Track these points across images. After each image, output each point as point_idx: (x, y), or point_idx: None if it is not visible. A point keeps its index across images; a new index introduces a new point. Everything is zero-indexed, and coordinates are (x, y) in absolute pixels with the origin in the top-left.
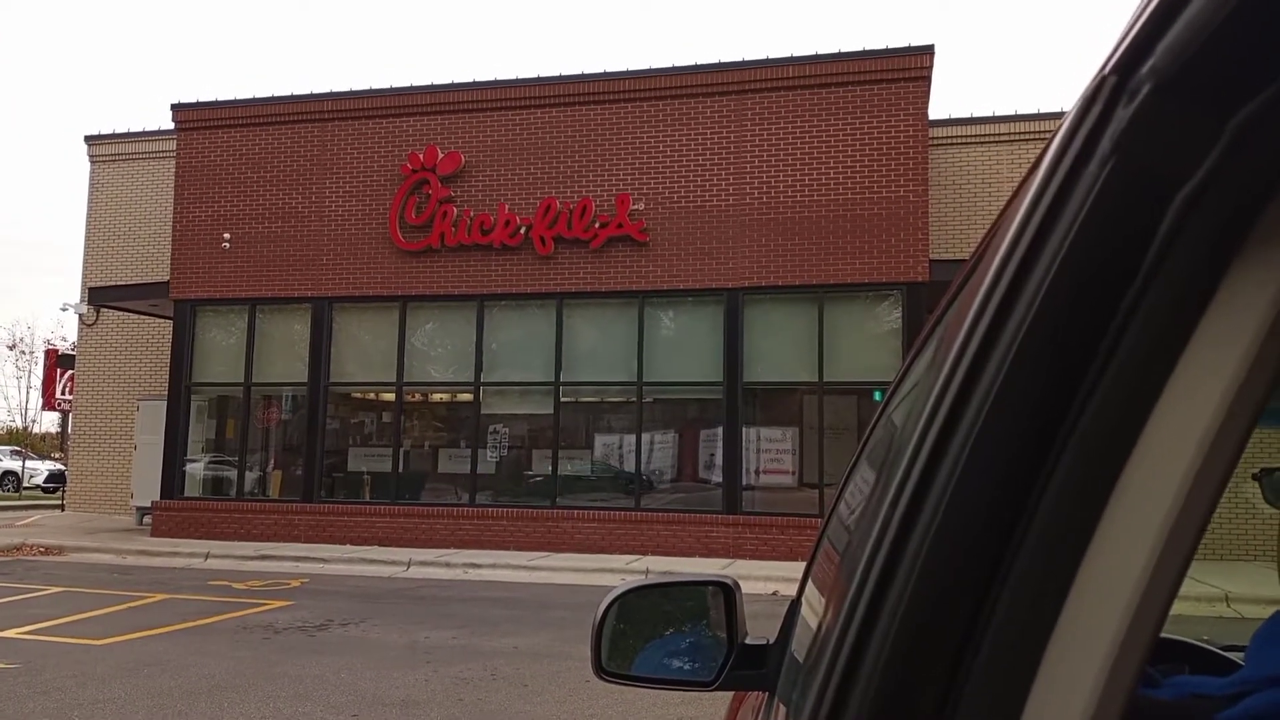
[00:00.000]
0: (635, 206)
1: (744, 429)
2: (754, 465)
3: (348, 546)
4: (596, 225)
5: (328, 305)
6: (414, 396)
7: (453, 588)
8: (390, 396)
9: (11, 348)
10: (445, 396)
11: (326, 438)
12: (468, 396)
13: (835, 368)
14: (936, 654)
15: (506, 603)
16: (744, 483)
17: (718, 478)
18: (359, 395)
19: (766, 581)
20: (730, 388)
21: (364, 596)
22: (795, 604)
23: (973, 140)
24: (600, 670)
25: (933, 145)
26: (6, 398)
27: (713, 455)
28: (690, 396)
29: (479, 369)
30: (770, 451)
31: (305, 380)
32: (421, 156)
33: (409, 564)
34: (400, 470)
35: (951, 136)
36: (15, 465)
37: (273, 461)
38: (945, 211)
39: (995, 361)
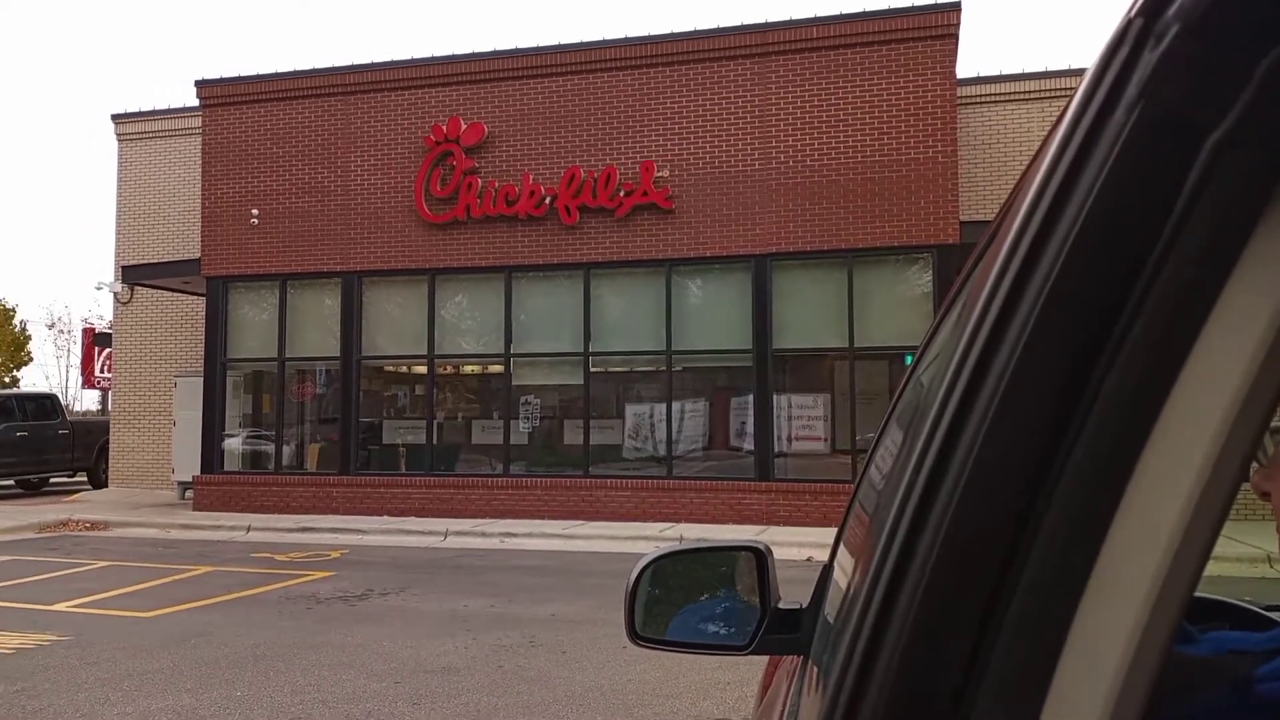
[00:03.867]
0: (660, 174)
1: (775, 396)
2: (785, 432)
3: (385, 518)
4: (621, 194)
5: (357, 279)
6: (445, 369)
7: (489, 557)
8: (422, 369)
9: (50, 327)
10: (476, 368)
11: (361, 411)
12: (498, 368)
13: (866, 333)
14: (964, 611)
15: (543, 571)
16: (776, 450)
17: (749, 445)
18: (391, 368)
19: (800, 548)
20: (760, 355)
21: (402, 566)
22: (828, 568)
23: (1002, 98)
24: (634, 635)
25: (961, 104)
26: (47, 377)
27: (744, 423)
28: (720, 364)
29: (508, 340)
30: (802, 418)
31: (338, 354)
32: (445, 128)
33: (446, 534)
34: (434, 442)
35: (980, 95)
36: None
37: (309, 435)
38: (975, 172)
39: (1019, 322)
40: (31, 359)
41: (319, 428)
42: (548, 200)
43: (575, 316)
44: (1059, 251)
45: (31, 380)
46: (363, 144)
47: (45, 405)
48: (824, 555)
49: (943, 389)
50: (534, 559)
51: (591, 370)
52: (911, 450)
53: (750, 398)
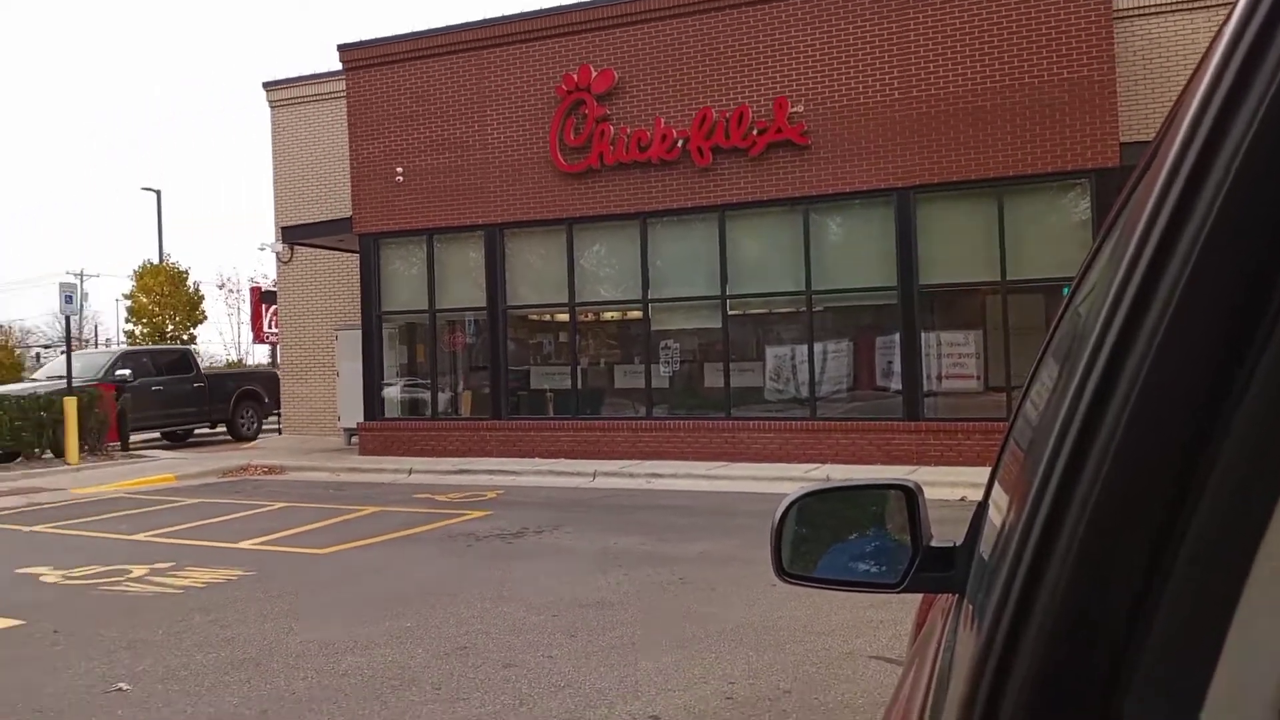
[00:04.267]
0: (794, 109)
1: (922, 334)
2: (935, 370)
3: (536, 460)
4: (755, 132)
5: (499, 232)
6: (586, 316)
7: (637, 497)
8: (564, 317)
9: (220, 287)
10: (616, 315)
11: (509, 358)
12: (637, 314)
13: (1019, 265)
14: (1130, 549)
15: (689, 511)
16: (925, 389)
17: (896, 385)
18: (535, 317)
19: (953, 487)
20: (905, 292)
21: (555, 506)
22: (982, 506)
23: (1162, 8)
24: (782, 572)
25: (1117, 17)
26: (221, 333)
27: (890, 362)
28: (863, 303)
29: (645, 286)
30: (952, 356)
31: (484, 305)
32: (575, 77)
33: (594, 475)
34: (579, 386)
35: (1138, 6)
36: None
37: (462, 382)
38: (1135, 89)
39: (1185, 245)
40: (206, 318)
41: (471, 375)
42: (680, 143)
43: (711, 260)
44: (1227, 169)
45: (206, 337)
46: (497, 98)
47: (179, 360)
48: (978, 495)
49: (1103, 317)
50: (680, 499)
51: (730, 313)
52: (1070, 382)
53: (896, 336)
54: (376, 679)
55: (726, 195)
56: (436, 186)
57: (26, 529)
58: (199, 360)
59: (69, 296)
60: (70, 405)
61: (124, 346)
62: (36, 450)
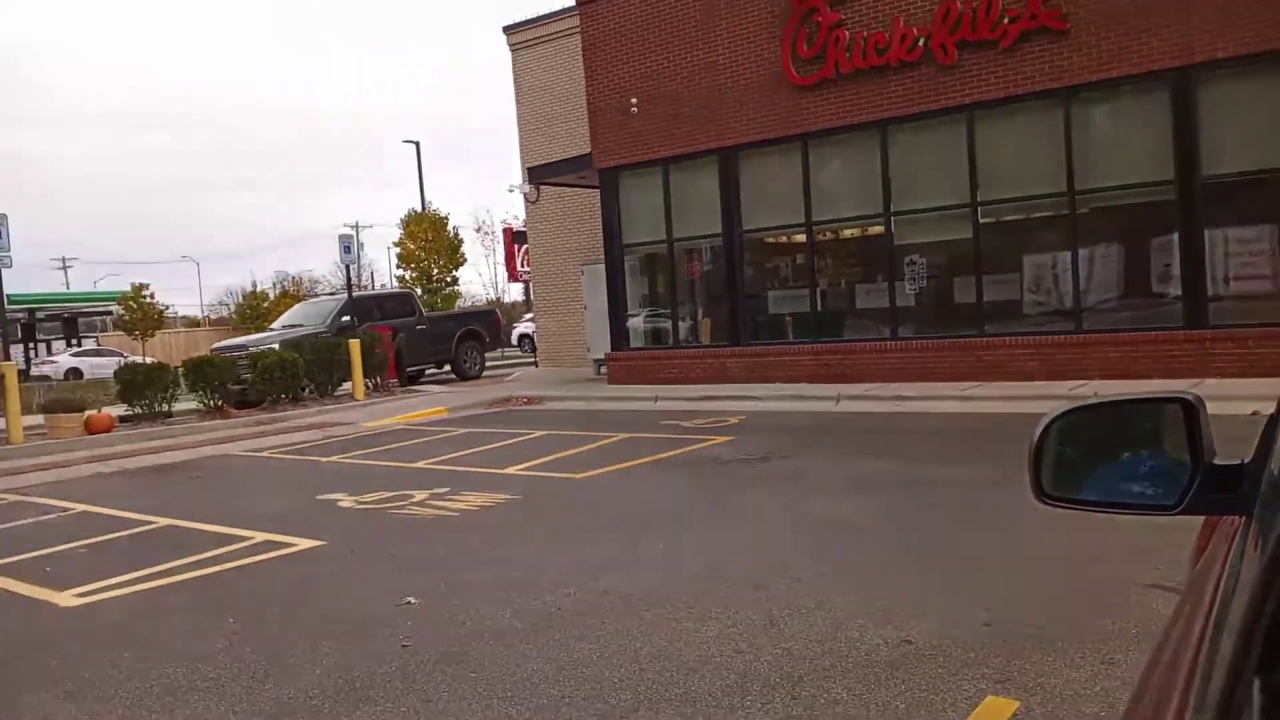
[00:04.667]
0: None
1: (1206, 231)
2: (1221, 272)
3: (777, 385)
4: (1005, 21)
5: (732, 154)
6: (824, 235)
7: (883, 420)
8: (801, 238)
9: (477, 230)
10: (855, 231)
11: (746, 284)
12: (878, 229)
13: None
14: None
15: (940, 434)
16: (1210, 293)
17: (1175, 290)
18: (771, 240)
19: (1243, 401)
20: (1185, 185)
21: (798, 430)
22: (1275, 419)
23: None
24: (1040, 494)
25: None
26: (480, 274)
27: (1167, 265)
28: (1133, 201)
29: (886, 199)
30: (1241, 255)
31: (720, 231)
32: None
33: (838, 399)
34: (819, 309)
35: None
36: (529, 328)
37: (701, 310)
38: None
39: None
40: (465, 260)
41: (710, 303)
42: (921, 42)
43: (959, 165)
44: None
45: (467, 278)
46: (726, 16)
47: (403, 303)
48: (1271, 408)
49: None
50: (930, 422)
51: (981, 222)
52: None
53: (1174, 236)
54: (634, 597)
55: (974, 93)
56: (669, 114)
57: (324, 459)
58: (419, 303)
59: (347, 247)
60: (355, 347)
61: (343, 295)
62: (329, 389)
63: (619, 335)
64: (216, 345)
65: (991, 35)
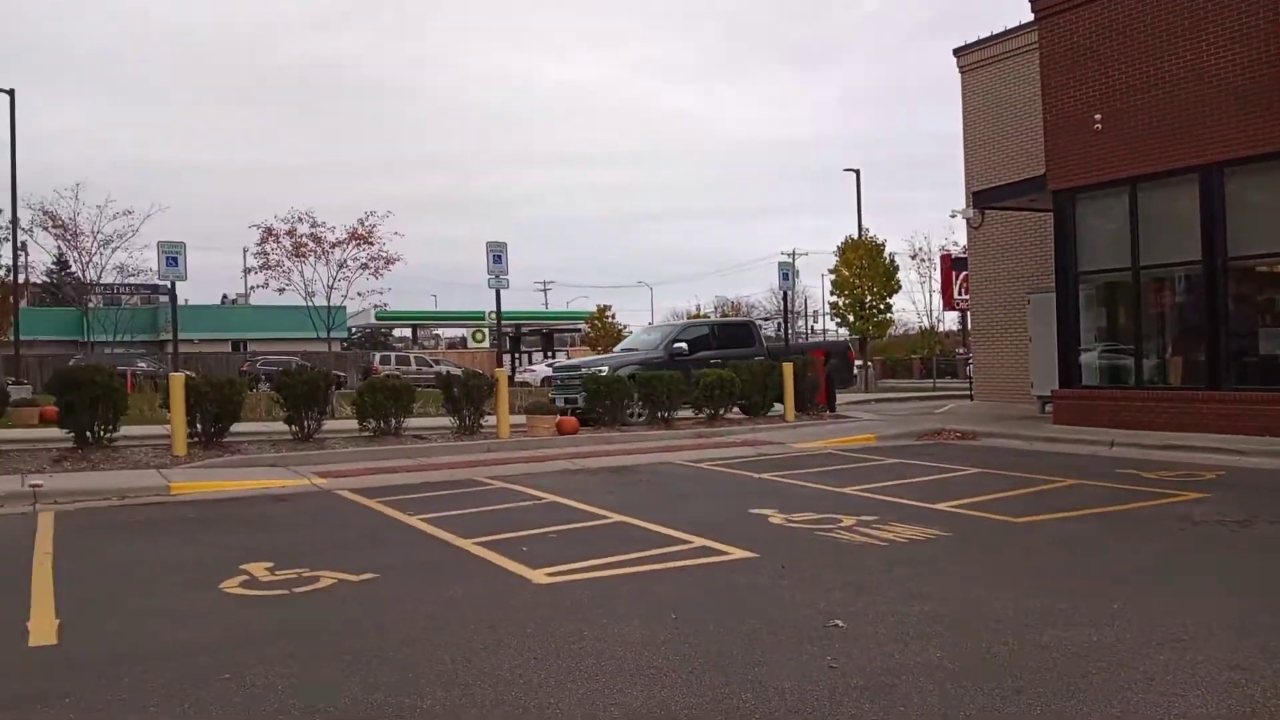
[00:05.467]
0: None
1: None
2: None
3: (1269, 438)
4: None
5: (1217, 171)
6: None
7: None
8: None
9: (913, 257)
10: None
11: (1230, 318)
12: None
13: None
14: None
15: None
16: None
17: None
18: (1264, 269)
19: None
20: None
21: None
22: None
23: None
24: None
25: None
26: (914, 301)
27: None
28: None
29: None
30: None
31: (1198, 258)
32: None
33: None
34: None
35: None
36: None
37: (1169, 348)
38: None
39: None
40: (900, 287)
41: (1181, 339)
42: None
43: None
44: None
45: (900, 305)
46: (1213, 18)
47: (742, 332)
48: None
49: None
50: None
51: None
52: None
53: None
54: (1082, 657)
55: None
56: (1139, 129)
57: (756, 475)
58: (761, 332)
59: (785, 274)
60: (788, 371)
61: (681, 323)
62: (762, 409)
63: (1069, 370)
64: (557, 365)
65: None
